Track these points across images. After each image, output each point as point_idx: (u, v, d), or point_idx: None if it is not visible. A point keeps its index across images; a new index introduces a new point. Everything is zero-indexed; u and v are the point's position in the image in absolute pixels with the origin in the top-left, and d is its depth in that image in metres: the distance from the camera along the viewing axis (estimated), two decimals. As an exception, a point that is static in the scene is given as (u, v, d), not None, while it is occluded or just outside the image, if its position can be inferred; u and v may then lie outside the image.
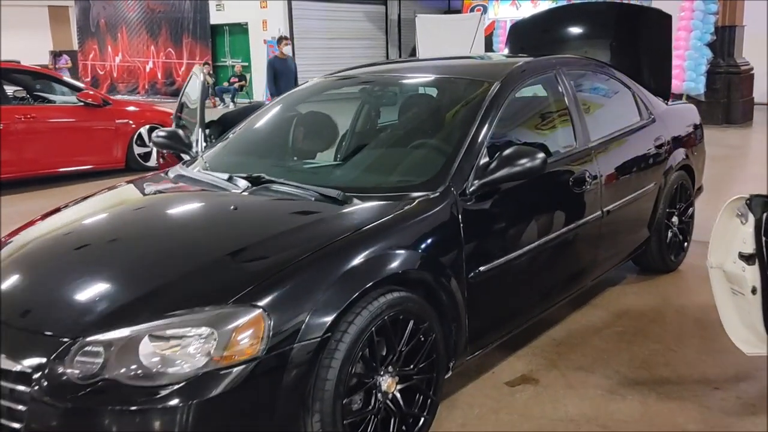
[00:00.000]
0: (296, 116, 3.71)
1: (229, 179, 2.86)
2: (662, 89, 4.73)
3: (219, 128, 4.30)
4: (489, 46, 14.59)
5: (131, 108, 8.75)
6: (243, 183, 2.79)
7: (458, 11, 17.56)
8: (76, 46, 25.77)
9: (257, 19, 19.39)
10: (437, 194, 2.65)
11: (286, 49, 10.72)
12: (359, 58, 16.64)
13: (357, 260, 2.29)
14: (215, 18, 20.59)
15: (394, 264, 2.38)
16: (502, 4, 14.25)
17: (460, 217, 2.64)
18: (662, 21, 4.80)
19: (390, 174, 2.94)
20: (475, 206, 2.73)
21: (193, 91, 4.75)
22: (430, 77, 3.56)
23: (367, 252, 2.32)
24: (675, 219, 4.41)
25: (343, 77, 3.77)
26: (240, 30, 20.20)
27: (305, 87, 3.79)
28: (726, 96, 12.15)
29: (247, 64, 20.10)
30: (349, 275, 2.23)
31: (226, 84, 19.15)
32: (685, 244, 4.58)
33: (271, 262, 2.22)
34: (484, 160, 2.82)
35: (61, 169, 7.83)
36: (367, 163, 3.14)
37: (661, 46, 4.80)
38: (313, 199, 2.62)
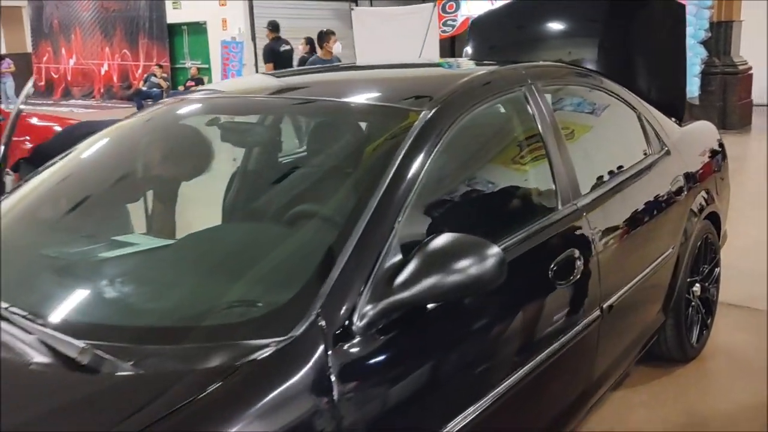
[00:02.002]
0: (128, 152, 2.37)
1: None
2: (674, 105, 3.48)
3: (31, 168, 2.96)
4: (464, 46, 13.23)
5: (33, 120, 7.35)
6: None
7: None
8: (29, 48, 24.22)
9: (216, 18, 18.01)
10: (290, 341, 1.36)
11: (336, 47, 8.52)
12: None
13: None
14: (172, 17, 19.19)
15: None
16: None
17: (335, 385, 1.36)
18: (673, 13, 3.56)
19: (219, 290, 1.62)
20: (369, 354, 1.45)
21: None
22: (328, 102, 2.20)
23: None
24: (697, 287, 3.15)
25: (199, 99, 2.45)
26: (199, 29, 18.81)
27: (141, 118, 2.43)
28: (722, 98, 10.96)
29: (207, 66, 18.72)
30: None
31: (181, 88, 17.73)
32: (709, 319, 3.33)
33: None
34: (394, 259, 1.54)
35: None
36: (189, 262, 1.81)
37: (671, 47, 3.55)
38: (31, 361, 1.31)
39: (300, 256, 1.63)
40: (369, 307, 1.46)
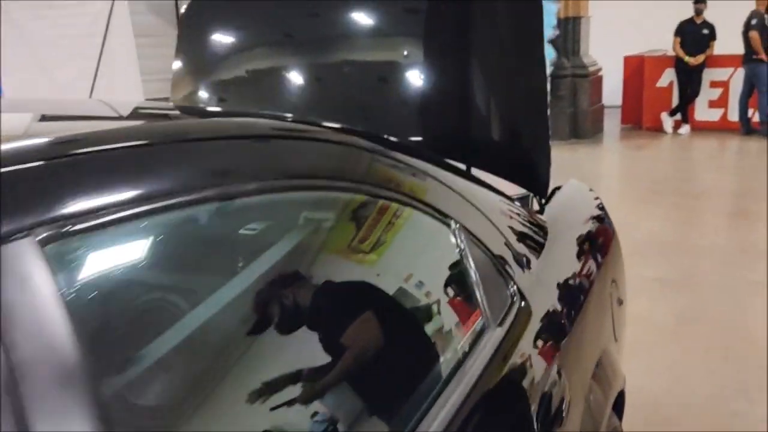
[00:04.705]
0: None
1: None
2: (530, 167, 1.86)
3: None
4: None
5: None
6: None
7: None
8: None
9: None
10: None
11: None
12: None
13: None
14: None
15: None
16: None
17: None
18: (524, 6, 1.91)
19: None
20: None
21: None
22: None
23: None
24: None
25: None
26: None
27: None
28: (573, 104, 9.84)
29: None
30: None
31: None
32: None
33: None
34: None
35: None
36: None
37: (520, 63, 1.91)
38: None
39: None
40: None
